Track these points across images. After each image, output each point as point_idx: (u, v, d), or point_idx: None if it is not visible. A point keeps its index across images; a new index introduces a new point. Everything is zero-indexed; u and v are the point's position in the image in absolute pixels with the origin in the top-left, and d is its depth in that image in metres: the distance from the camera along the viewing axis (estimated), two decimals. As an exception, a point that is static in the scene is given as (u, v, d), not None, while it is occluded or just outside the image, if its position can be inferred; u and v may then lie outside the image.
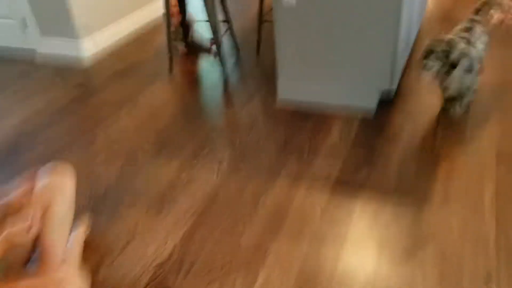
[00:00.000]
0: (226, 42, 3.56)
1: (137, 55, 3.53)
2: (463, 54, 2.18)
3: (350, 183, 2.06)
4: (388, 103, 2.61)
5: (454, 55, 2.17)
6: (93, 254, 1.76)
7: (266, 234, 1.84)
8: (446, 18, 3.58)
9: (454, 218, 1.81)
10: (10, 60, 3.63)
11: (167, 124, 2.63)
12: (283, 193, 2.04)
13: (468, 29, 2.37)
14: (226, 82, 3.09)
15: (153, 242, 1.84)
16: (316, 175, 2.12)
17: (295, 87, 2.70)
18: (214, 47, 3.43)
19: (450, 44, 2.19)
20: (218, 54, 3.12)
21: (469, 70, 2.22)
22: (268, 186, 2.09)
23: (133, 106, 2.82)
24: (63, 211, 1.24)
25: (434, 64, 2.20)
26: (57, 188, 1.22)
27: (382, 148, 2.27)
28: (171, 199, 2.05)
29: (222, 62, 3.14)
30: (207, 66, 3.34)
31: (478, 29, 2.40)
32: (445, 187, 1.97)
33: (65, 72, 3.34)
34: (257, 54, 3.41)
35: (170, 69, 3.25)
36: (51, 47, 3.61)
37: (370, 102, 2.58)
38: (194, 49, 3.55)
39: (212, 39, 3.15)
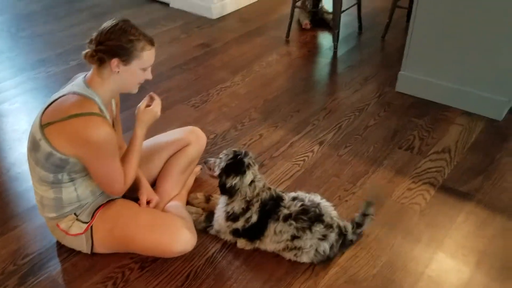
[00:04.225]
0: (352, 20, 3.60)
1: (261, 22, 3.73)
2: None
3: (458, 189, 2.04)
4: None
5: None
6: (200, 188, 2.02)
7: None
8: None
9: None
10: (143, 8, 4.06)
11: (276, 95, 2.78)
12: (382, 182, 2.09)
13: None
14: (341, 62, 3.15)
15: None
16: (422, 175, 2.13)
17: (417, 82, 2.67)
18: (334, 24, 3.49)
19: None
20: (335, 31, 3.20)
21: None
22: (368, 171, 2.15)
23: (248, 73, 3.02)
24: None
25: None
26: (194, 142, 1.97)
27: (501, 160, 2.19)
28: (269, 163, 2.20)
29: (337, 40, 3.24)
30: (326, 43, 3.42)
31: None
32: None
33: (192, 30, 3.65)
34: (382, 38, 3.40)
35: (287, 36, 3.42)
36: (183, 3, 3.97)
37: (497, 114, 2.48)
38: (317, 24, 3.64)
39: (332, 13, 3.22)
